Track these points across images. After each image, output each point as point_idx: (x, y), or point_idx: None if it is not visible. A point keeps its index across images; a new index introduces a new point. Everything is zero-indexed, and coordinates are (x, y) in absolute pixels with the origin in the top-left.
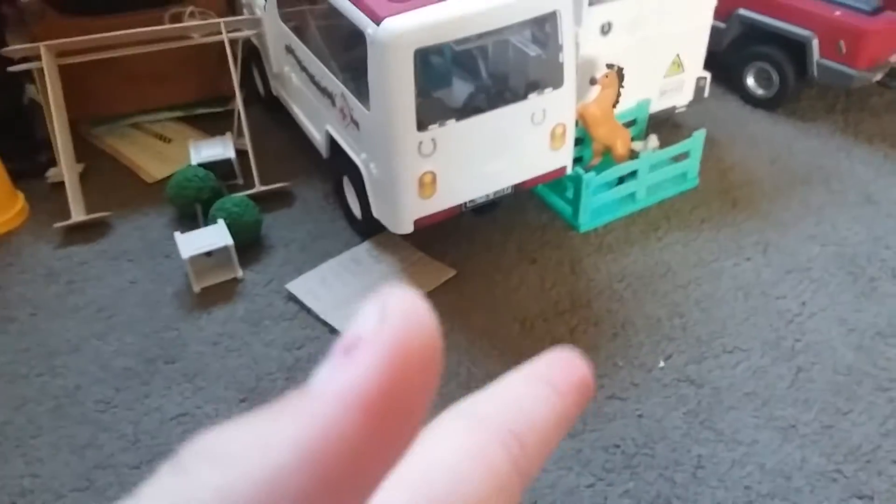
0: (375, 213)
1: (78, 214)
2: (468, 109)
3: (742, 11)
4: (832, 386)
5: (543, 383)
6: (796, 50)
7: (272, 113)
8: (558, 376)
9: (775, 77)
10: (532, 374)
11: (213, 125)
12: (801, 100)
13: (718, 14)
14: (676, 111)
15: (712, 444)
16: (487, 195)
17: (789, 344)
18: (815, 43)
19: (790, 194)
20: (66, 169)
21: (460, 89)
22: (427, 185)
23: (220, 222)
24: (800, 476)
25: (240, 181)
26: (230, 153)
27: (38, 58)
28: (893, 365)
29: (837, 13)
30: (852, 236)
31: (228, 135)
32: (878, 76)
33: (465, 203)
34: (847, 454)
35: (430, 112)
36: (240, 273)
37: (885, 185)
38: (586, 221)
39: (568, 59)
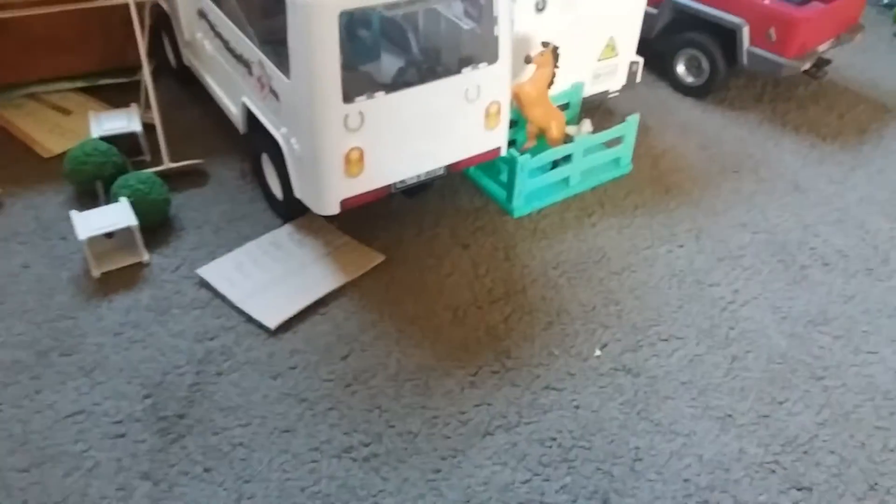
0: (297, 193)
1: None
2: (398, 83)
3: None
4: (767, 375)
5: None
6: (727, 37)
7: (184, 85)
8: None
9: (705, 64)
10: None
11: (118, 97)
12: (730, 89)
13: (650, 1)
14: (609, 96)
15: (650, 436)
16: (419, 175)
17: (723, 332)
18: (746, 30)
19: (721, 182)
20: None
21: (390, 62)
22: (354, 162)
23: (123, 201)
24: (738, 467)
25: (147, 157)
26: (136, 126)
27: None
28: (826, 353)
29: (768, 1)
30: (782, 224)
31: (134, 107)
32: (807, 65)
33: (395, 183)
34: (784, 444)
35: (358, 83)
36: (145, 257)
37: (812, 174)
38: (520, 206)
39: (503, 33)
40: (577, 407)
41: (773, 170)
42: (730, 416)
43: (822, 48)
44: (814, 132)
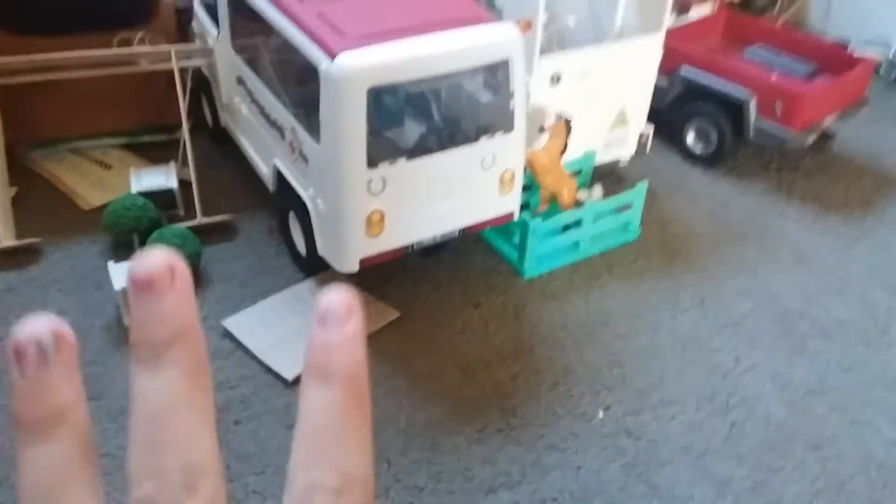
0: (321, 251)
1: (7, 239)
2: (419, 149)
3: (684, 70)
4: (765, 442)
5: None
6: (734, 110)
7: (219, 144)
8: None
9: (714, 135)
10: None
11: (157, 154)
12: (738, 158)
13: (662, 72)
14: (620, 164)
15: (648, 499)
16: (435, 237)
17: (723, 399)
18: (753, 103)
19: (726, 250)
20: None
21: (412, 129)
22: (375, 223)
23: None
24: None
25: (181, 212)
26: (172, 183)
27: None
28: (824, 423)
29: (775, 76)
30: (784, 293)
31: (172, 164)
32: (811, 139)
33: (413, 244)
34: None
35: (381, 150)
36: None
37: (815, 244)
38: (531, 267)
39: (519, 105)
40: (578, 468)
41: (778, 239)
42: (727, 482)
43: (827, 122)
44: (819, 203)
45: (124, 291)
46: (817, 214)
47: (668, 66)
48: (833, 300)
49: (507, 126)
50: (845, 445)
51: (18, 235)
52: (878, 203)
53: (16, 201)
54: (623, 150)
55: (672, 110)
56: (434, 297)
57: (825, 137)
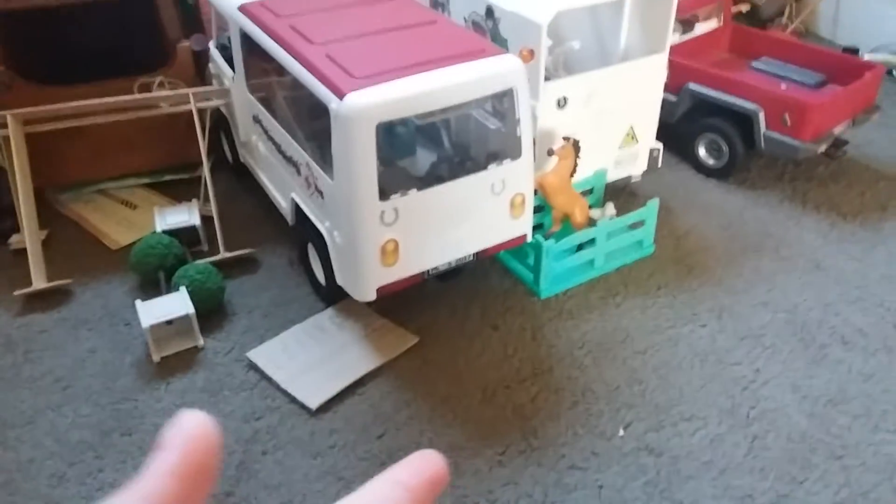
0: (339, 281)
1: (39, 282)
2: (430, 179)
3: (692, 86)
4: (787, 454)
5: (395, 483)
6: (744, 122)
7: (239, 180)
8: (409, 475)
9: (725, 148)
10: (388, 477)
11: (180, 191)
12: (751, 169)
13: (670, 88)
14: (632, 181)
15: None
16: (449, 263)
17: (744, 411)
18: (762, 116)
19: (742, 261)
20: (29, 236)
21: (422, 160)
22: (389, 253)
23: (182, 290)
24: None
25: (204, 248)
26: (195, 220)
27: (4, 125)
28: (846, 432)
29: (783, 87)
30: (803, 303)
31: (195, 201)
32: (823, 147)
33: (428, 271)
34: None
35: (393, 182)
36: (200, 342)
37: (832, 253)
38: (547, 288)
39: (525, 132)
40: (600, 487)
41: (794, 249)
42: (750, 495)
43: (837, 130)
44: (834, 210)
45: (153, 328)
46: (833, 222)
47: (675, 82)
48: (852, 308)
49: (515, 152)
50: (868, 454)
51: (49, 277)
52: (894, 208)
53: (46, 244)
54: (634, 167)
55: (682, 125)
56: (452, 321)
57: (838, 145)
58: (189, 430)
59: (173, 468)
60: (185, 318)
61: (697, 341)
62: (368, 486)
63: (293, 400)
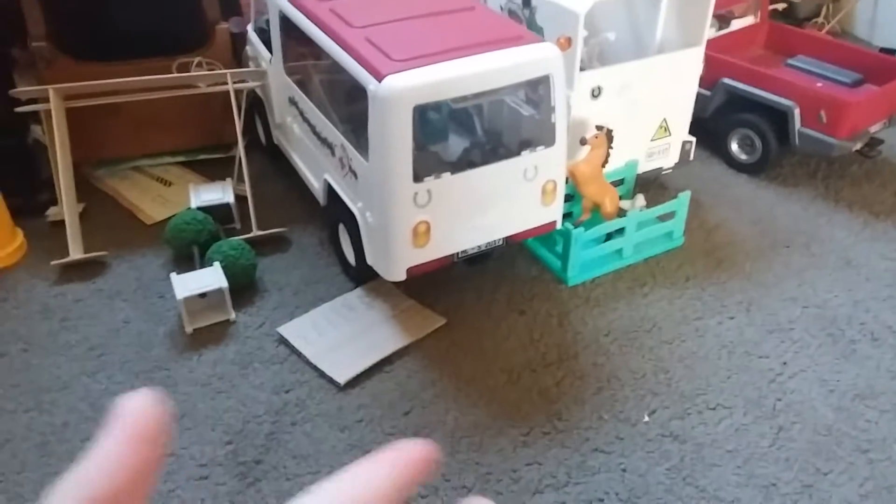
0: (369, 261)
1: (76, 253)
2: (463, 163)
3: (726, 80)
4: (812, 446)
5: (381, 462)
6: (778, 118)
7: (273, 160)
8: (397, 455)
9: (758, 143)
10: (375, 457)
11: (214, 170)
12: (784, 166)
13: (704, 82)
14: (663, 172)
15: (694, 502)
16: (479, 246)
17: (771, 403)
18: (797, 112)
19: (772, 256)
20: (67, 208)
21: (456, 144)
22: (421, 234)
23: (216, 265)
24: None
25: (237, 226)
26: (229, 198)
27: (46, 100)
28: (872, 427)
29: (819, 85)
30: (833, 299)
31: (229, 180)
32: (858, 145)
33: (458, 253)
34: None
35: (427, 164)
36: (232, 315)
37: (864, 251)
38: (575, 275)
39: (560, 119)
40: (624, 470)
41: (825, 245)
42: (774, 485)
43: (874, 129)
44: (867, 209)
45: (186, 300)
46: (866, 221)
47: (710, 76)
48: (882, 306)
49: (549, 139)
50: (894, 449)
51: (86, 249)
52: None
53: (83, 217)
54: (666, 160)
55: (715, 119)
56: (479, 304)
57: (873, 144)
58: (132, 411)
59: (115, 454)
60: (217, 292)
61: (725, 333)
62: (353, 466)
63: (322, 375)
